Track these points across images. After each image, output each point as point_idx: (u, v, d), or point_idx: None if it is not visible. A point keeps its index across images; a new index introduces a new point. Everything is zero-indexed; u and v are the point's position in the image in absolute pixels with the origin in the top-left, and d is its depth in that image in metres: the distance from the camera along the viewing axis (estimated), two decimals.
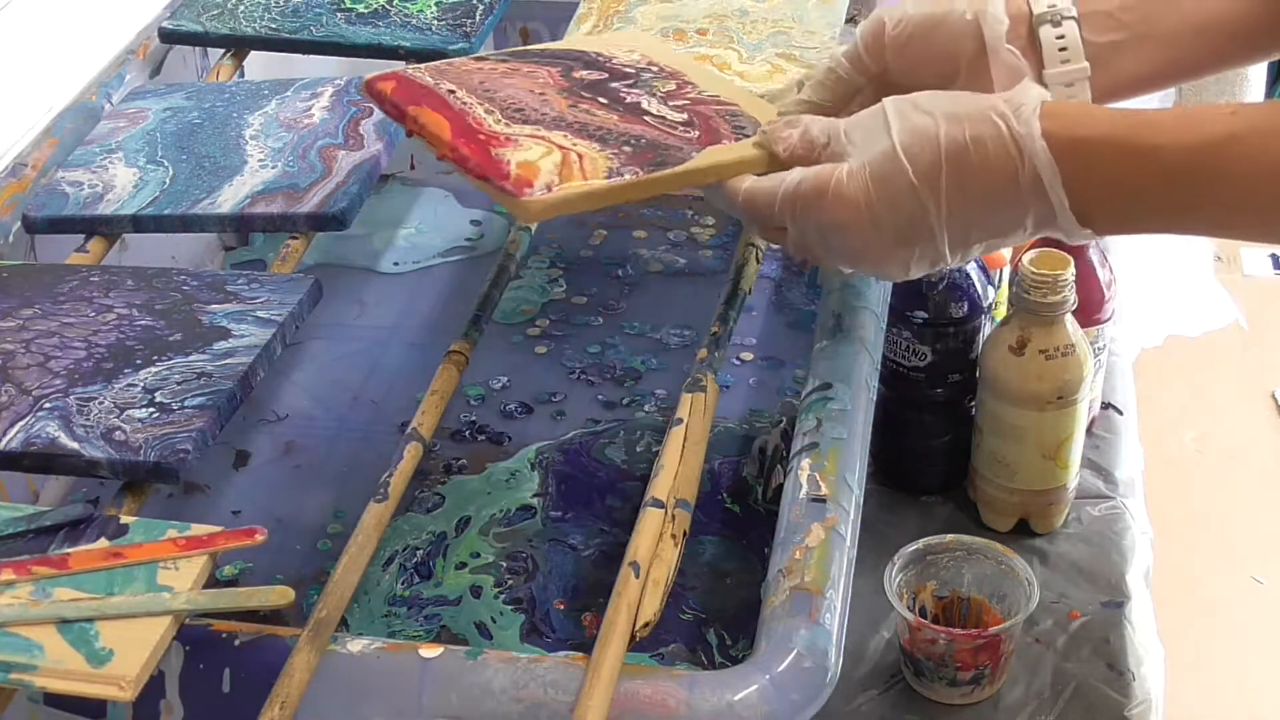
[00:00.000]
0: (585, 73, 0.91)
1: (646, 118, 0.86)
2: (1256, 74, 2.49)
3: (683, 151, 0.83)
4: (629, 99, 0.88)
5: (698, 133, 0.85)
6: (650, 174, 0.81)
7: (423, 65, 0.90)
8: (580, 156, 0.81)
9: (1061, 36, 0.85)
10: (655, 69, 0.92)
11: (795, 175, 0.79)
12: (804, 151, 0.81)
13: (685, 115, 0.87)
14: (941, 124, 0.76)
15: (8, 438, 0.80)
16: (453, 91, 0.86)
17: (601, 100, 0.88)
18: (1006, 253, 1.14)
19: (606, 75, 0.91)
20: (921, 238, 0.78)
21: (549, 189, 0.79)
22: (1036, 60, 0.86)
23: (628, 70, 0.92)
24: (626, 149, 0.83)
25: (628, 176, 0.80)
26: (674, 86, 0.90)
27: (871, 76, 0.88)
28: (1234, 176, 0.73)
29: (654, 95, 0.89)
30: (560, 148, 0.82)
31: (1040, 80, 0.86)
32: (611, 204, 0.83)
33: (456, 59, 0.92)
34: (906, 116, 0.77)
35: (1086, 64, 0.85)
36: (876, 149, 0.77)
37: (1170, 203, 0.76)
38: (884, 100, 0.79)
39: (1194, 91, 2.52)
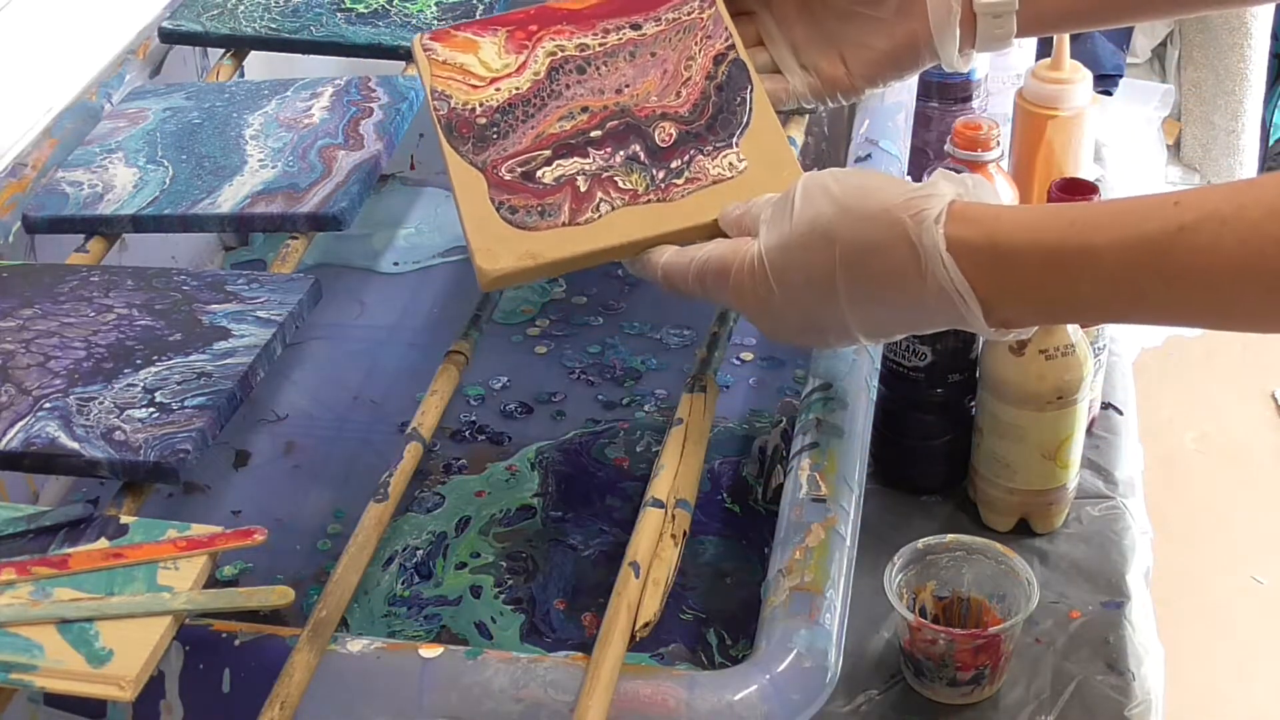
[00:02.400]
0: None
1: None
2: (1257, 74, 2.48)
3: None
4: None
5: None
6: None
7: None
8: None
9: None
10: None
11: (706, 250, 0.77)
12: (727, 224, 0.78)
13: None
14: (842, 223, 0.72)
15: (8, 438, 0.80)
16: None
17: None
18: None
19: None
20: (829, 328, 0.75)
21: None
22: None
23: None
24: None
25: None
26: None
27: None
28: (1187, 271, 0.65)
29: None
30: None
31: (970, 11, 0.85)
32: None
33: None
34: (811, 203, 0.73)
35: None
36: (775, 238, 0.74)
37: (1110, 304, 0.70)
38: (801, 178, 0.75)
39: (1193, 89, 2.51)
